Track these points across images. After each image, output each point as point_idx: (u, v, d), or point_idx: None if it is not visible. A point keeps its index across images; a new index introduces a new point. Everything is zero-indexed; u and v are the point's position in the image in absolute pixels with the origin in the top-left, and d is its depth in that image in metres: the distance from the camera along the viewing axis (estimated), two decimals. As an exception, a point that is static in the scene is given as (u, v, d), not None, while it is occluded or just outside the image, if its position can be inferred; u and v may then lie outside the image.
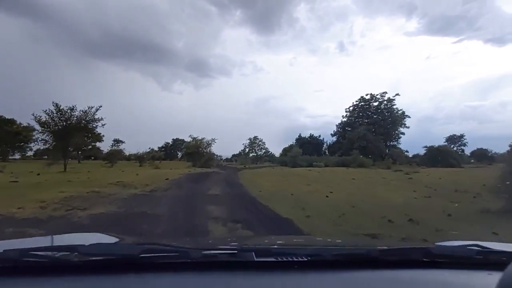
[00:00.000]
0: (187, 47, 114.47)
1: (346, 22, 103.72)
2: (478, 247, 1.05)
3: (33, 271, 0.83)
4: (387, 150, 49.11)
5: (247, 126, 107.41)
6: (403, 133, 49.84)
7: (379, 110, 52.17)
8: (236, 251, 0.95)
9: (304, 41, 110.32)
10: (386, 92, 50.81)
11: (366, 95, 54.48)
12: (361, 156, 40.34)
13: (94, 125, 17.99)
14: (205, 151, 30.43)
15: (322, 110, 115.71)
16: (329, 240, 2.11)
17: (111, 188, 8.96)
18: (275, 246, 1.25)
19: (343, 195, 9.17)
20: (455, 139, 65.97)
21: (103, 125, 18.20)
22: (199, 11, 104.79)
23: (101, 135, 64.65)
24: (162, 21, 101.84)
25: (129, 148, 63.62)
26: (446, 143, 56.00)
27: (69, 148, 18.03)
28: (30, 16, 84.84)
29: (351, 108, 56.40)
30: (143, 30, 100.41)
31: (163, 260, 0.89)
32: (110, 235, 1.46)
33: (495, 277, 0.79)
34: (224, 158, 70.41)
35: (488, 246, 1.07)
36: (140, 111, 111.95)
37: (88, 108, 17.34)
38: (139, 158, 44.39)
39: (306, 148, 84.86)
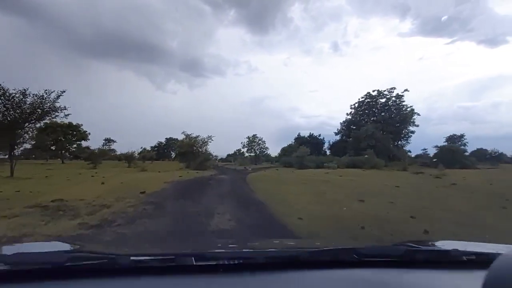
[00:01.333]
0: (181, 46, 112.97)
1: (340, 23, 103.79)
2: (409, 246, 1.11)
3: None
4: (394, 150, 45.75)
5: (242, 126, 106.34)
6: (412, 132, 46.45)
7: (386, 107, 48.73)
8: (174, 257, 0.96)
9: (298, 41, 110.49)
10: (394, 88, 47.38)
11: (373, 91, 51.00)
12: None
13: (53, 115, 13.63)
14: (200, 150, 26.21)
15: (317, 110, 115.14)
16: (291, 243, 2.10)
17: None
18: (212, 251, 1.23)
19: (446, 225, 5.21)
20: (455, 139, 63.40)
21: (66, 115, 13.90)
22: (193, 10, 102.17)
23: (86, 132, 60.11)
24: (155, 20, 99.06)
25: (122, 148, 59.25)
26: (445, 143, 53.04)
27: (17, 145, 13.52)
28: (20, 13, 79.68)
29: (356, 105, 52.87)
30: (136, 29, 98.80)
31: (90, 267, 0.88)
32: (69, 243, 1.41)
33: (415, 274, 0.98)
34: (219, 158, 69.64)
35: (421, 245, 1.16)
36: (134, 111, 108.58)
37: (46, 93, 12.97)
38: (128, 158, 40.06)
39: (306, 148, 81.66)
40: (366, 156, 31.29)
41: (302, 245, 1.66)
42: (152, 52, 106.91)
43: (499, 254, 0.95)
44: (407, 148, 47.59)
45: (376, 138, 43.16)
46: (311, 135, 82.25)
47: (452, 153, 41.64)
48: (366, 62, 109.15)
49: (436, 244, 1.27)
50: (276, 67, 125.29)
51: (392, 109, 47.23)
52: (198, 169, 22.94)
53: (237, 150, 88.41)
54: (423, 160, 45.10)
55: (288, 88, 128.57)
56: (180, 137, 27.01)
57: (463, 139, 63.34)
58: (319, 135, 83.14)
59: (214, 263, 0.95)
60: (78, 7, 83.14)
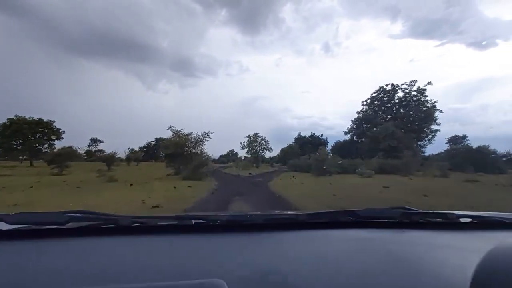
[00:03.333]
0: (172, 46, 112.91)
1: (331, 24, 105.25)
2: (405, 209, 1.15)
3: None
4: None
5: (233, 126, 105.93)
6: (437, 131, 40.88)
7: (403, 102, 43.11)
8: (176, 218, 1.00)
9: (290, 41, 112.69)
10: (416, 81, 41.81)
11: (387, 85, 45.45)
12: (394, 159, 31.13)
13: None
14: (193, 151, 19.41)
15: (309, 111, 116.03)
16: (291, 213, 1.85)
17: None
18: (212, 214, 1.20)
19: None
20: (457, 140, 58.99)
21: None
22: (183, 9, 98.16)
23: (60, 130, 52.13)
24: (145, 19, 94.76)
25: (112, 149, 51.99)
26: (448, 144, 48.06)
27: None
28: (6, 10, 74.66)
29: (368, 101, 47.17)
30: (126, 28, 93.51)
31: (89, 227, 0.93)
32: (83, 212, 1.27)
33: (411, 234, 1.00)
34: (212, 159, 64.70)
35: (415, 209, 1.18)
36: (124, 110, 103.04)
37: None
38: (108, 160, 32.86)
39: (307, 149, 75.56)
40: (403, 158, 25.26)
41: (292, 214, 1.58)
42: (142, 52, 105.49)
43: (493, 217, 1.10)
44: (428, 149, 42.00)
45: (398, 138, 37.40)
46: (312, 135, 76.51)
47: (482, 155, 36.00)
48: (357, 63, 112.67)
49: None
50: (267, 68, 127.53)
51: (412, 105, 41.67)
52: (191, 178, 16.23)
53: (230, 151, 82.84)
54: (437, 162, 39.68)
55: (280, 88, 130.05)
56: (168, 134, 20.00)
57: (465, 140, 58.96)
58: (321, 135, 77.57)
59: (212, 224, 1.00)
60: (66, 5, 79.11)
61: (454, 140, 57.83)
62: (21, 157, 52.90)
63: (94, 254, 0.82)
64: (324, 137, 74.52)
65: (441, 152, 38.13)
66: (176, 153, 19.12)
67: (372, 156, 35.16)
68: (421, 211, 1.14)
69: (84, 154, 58.05)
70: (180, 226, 0.98)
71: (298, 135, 75.25)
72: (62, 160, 27.79)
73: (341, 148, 51.29)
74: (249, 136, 41.17)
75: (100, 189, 11.00)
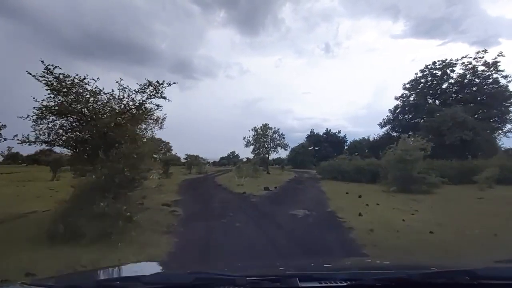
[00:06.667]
0: (170, 48, 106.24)
1: (331, 24, 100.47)
2: None
3: None
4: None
5: (234, 128, 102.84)
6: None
7: (469, 82, 31.31)
8: (280, 278, 1.01)
9: (289, 42, 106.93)
10: (485, 51, 30.08)
11: (438, 61, 33.83)
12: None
13: None
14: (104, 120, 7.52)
15: (310, 112, 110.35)
16: (377, 262, 2.05)
17: None
18: (318, 272, 1.25)
19: None
20: None
21: None
22: (181, 10, 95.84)
23: None
24: (143, 21, 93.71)
25: None
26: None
27: None
28: (1, 12, 69.41)
29: (413, 84, 35.53)
30: (123, 30, 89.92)
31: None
32: (162, 264, 1.89)
33: None
34: (211, 161, 59.28)
35: None
36: None
37: None
38: (53, 164, 21.67)
39: (323, 148, 63.47)
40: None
41: (383, 266, 1.63)
42: (141, 54, 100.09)
43: None
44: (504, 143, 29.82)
45: (473, 128, 25.66)
46: (328, 132, 64.94)
47: None
48: (359, 63, 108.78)
49: None
50: (268, 69, 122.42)
51: (481, 84, 29.92)
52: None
53: (231, 152, 73.95)
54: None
55: (281, 90, 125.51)
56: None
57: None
58: (339, 132, 65.87)
59: (319, 285, 0.96)
60: (63, 7, 75.12)
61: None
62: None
63: None
64: (342, 134, 62.94)
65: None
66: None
67: (433, 155, 23.28)
68: None
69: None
70: None
71: (311, 131, 63.78)
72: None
73: (372, 146, 39.47)
74: (255, 129, 29.02)
75: None
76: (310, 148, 59.21)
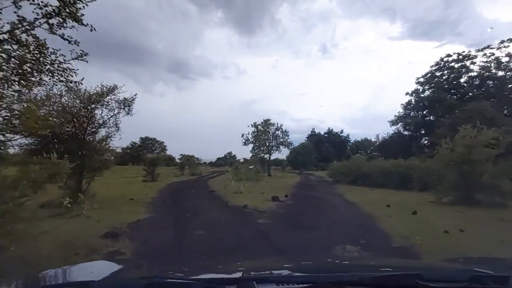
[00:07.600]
0: (167, 48, 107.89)
1: (329, 25, 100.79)
2: (476, 272, 1.05)
3: None
4: None
5: (231, 129, 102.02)
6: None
7: (488, 75, 28.30)
8: (236, 281, 0.97)
9: (286, 43, 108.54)
10: (510, 40, 27.07)
11: (453, 54, 30.78)
12: None
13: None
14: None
15: (306, 113, 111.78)
16: (337, 261, 2.03)
17: None
18: (275, 275, 1.22)
19: None
20: None
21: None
22: (178, 10, 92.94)
23: None
24: (140, 21, 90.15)
25: None
26: None
27: None
28: None
29: (427, 77, 32.44)
30: (120, 30, 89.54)
31: None
32: (114, 263, 1.61)
33: None
34: (208, 161, 58.57)
35: (485, 270, 1.06)
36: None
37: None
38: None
39: (325, 148, 60.28)
40: None
41: (351, 267, 1.63)
42: (138, 54, 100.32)
43: None
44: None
45: (503, 125, 22.51)
46: (330, 131, 61.95)
47: None
48: (356, 65, 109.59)
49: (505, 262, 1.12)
50: (265, 70, 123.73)
51: (507, 78, 26.86)
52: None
53: (227, 153, 71.57)
54: None
55: (277, 90, 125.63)
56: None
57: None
58: (341, 131, 62.92)
59: (276, 287, 0.96)
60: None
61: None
62: None
63: None
64: (344, 134, 59.94)
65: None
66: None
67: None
68: (493, 274, 1.04)
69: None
70: None
71: (311, 131, 60.61)
72: None
73: (382, 145, 36.24)
74: (255, 125, 25.38)
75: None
76: (312, 148, 55.91)
